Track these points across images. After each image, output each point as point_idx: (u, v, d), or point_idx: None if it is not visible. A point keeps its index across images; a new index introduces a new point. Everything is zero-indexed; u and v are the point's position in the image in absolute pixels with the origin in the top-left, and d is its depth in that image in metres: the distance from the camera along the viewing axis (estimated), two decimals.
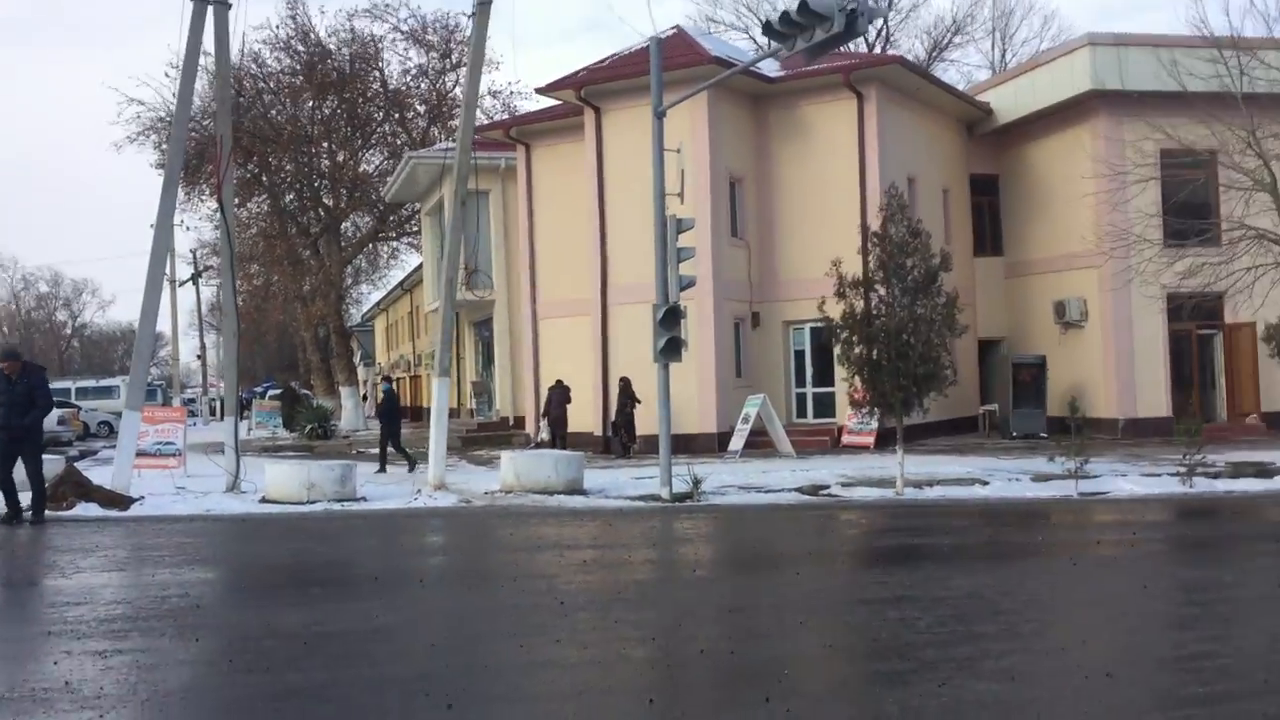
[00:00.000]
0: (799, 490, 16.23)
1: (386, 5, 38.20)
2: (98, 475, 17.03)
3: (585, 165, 24.78)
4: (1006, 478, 17.08)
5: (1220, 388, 25.79)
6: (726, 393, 23.53)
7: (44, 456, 18.81)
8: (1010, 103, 27.06)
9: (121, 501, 13.69)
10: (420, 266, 41.49)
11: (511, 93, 38.56)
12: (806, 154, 24.55)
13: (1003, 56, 42.53)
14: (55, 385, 44.60)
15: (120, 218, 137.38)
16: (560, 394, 25.00)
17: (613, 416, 23.66)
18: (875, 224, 16.71)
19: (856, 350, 15.83)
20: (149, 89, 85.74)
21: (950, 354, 16.13)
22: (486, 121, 31.65)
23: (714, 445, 22.81)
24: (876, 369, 15.78)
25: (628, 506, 14.56)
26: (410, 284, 46.51)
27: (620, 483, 17.44)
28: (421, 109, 38.42)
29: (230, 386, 16.93)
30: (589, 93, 24.10)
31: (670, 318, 15.48)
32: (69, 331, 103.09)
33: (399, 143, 38.23)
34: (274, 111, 37.22)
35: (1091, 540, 11.18)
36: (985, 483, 16.65)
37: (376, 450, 27.67)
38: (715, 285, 23.31)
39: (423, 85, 38.24)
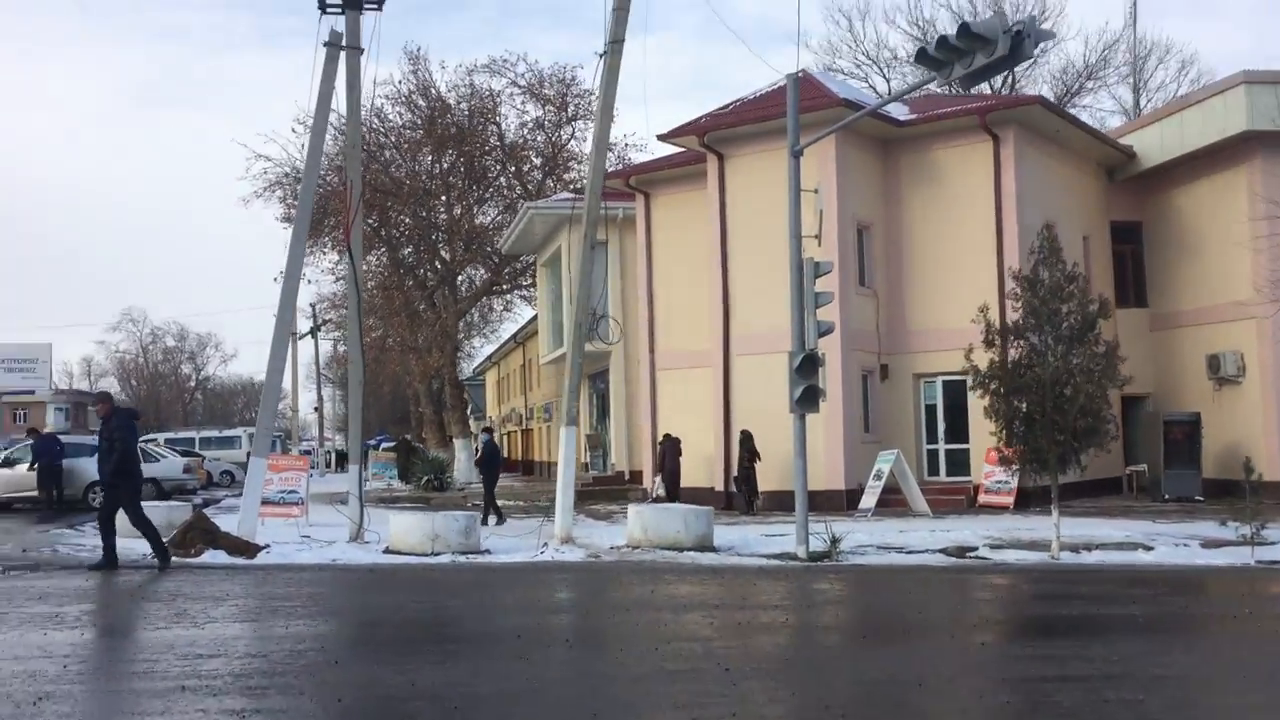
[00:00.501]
0: (943, 551, 15.19)
1: (504, 60, 38.82)
2: (225, 522, 16.93)
3: (707, 212, 24.28)
4: (1172, 543, 15.74)
5: None
6: (855, 448, 22.54)
7: (172, 503, 18.95)
8: (1155, 146, 25.73)
9: (249, 549, 13.44)
10: (534, 319, 41.51)
11: (627, 144, 38.35)
12: (937, 200, 23.63)
13: (1137, 102, 40.94)
14: (179, 435, 46.02)
15: (243, 273, 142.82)
16: (672, 447, 24.38)
17: (734, 471, 22.85)
18: (1021, 268, 15.72)
19: (1006, 403, 14.81)
20: (275, 145, 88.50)
21: (1110, 407, 14.99)
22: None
23: (842, 503, 21.80)
24: (1029, 423, 14.74)
25: (764, 565, 13.74)
26: (523, 336, 46.58)
27: (750, 540, 16.61)
28: (538, 161, 38.63)
29: (355, 434, 16.70)
30: (712, 139, 23.67)
31: (807, 365, 14.72)
32: (193, 384, 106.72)
33: (515, 195, 38.46)
34: (394, 166, 37.83)
35: None
36: (1149, 548, 15.36)
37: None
38: (844, 335, 22.42)
39: (539, 139, 38.52)
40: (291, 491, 19.61)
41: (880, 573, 13.09)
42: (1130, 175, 26.63)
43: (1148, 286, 26.93)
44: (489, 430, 24.34)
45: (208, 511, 23.61)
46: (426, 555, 14.21)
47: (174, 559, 12.78)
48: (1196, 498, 22.96)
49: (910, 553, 15.26)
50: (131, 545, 15.27)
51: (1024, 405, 14.71)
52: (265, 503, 19.31)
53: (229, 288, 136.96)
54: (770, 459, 22.32)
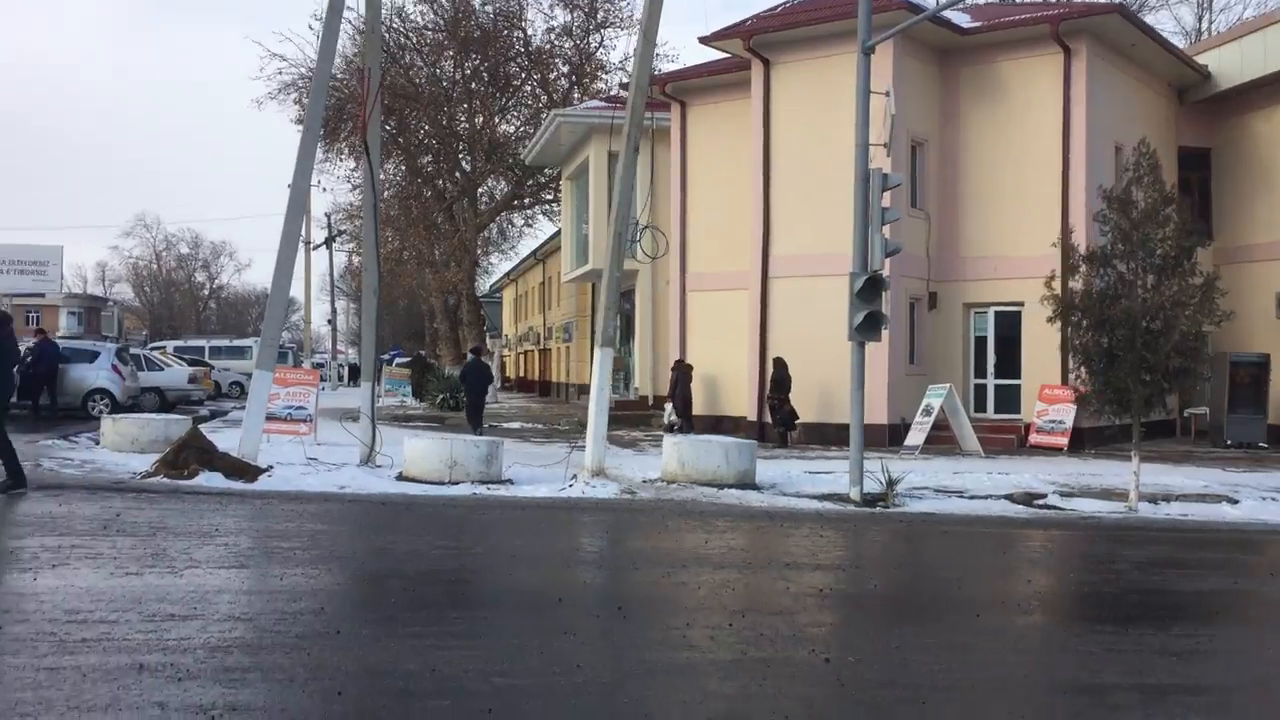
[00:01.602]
0: (1008, 498, 13.86)
1: None
2: (227, 438, 15.70)
3: (749, 125, 22.54)
4: (1258, 496, 14.37)
5: None
6: (899, 381, 21.12)
7: (172, 416, 17.61)
8: (1234, 66, 23.78)
9: (249, 472, 12.15)
10: (556, 234, 39.91)
11: (658, 54, 36.27)
12: (998, 117, 21.83)
13: (1200, 22, 38.55)
14: (188, 344, 44.81)
15: (258, 181, 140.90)
16: (684, 374, 23.49)
17: (768, 400, 21.50)
18: (1113, 187, 14.08)
19: (1090, 337, 13.32)
20: (291, 44, 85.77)
21: (1207, 346, 13.48)
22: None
23: (884, 438, 20.44)
24: (1111, 360, 13.27)
25: (819, 509, 12.39)
26: (544, 253, 44.99)
27: (794, 477, 15.28)
28: (565, 69, 36.68)
29: (368, 349, 15.30)
30: (758, 43, 21.84)
31: (870, 289, 13.23)
32: (207, 293, 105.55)
33: (540, 105, 36.59)
34: (415, 69, 35.98)
35: None
36: (1234, 501, 13.99)
37: (510, 426, 26.37)
38: (892, 260, 20.85)
39: (566, 45, 36.51)
40: (300, 408, 18.37)
41: (952, 524, 11.72)
42: (1203, 97, 24.72)
43: (1214, 217, 25.16)
44: (477, 350, 23.34)
45: (212, 425, 22.49)
46: (444, 484, 12.95)
47: (164, 480, 11.49)
48: (1261, 444, 21.55)
49: (972, 498, 13.95)
50: (121, 461, 14.07)
51: (1108, 340, 13.24)
52: (271, 419, 18.08)
53: (244, 195, 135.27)
54: (807, 389, 20.94)
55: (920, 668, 5.36)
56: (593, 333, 35.87)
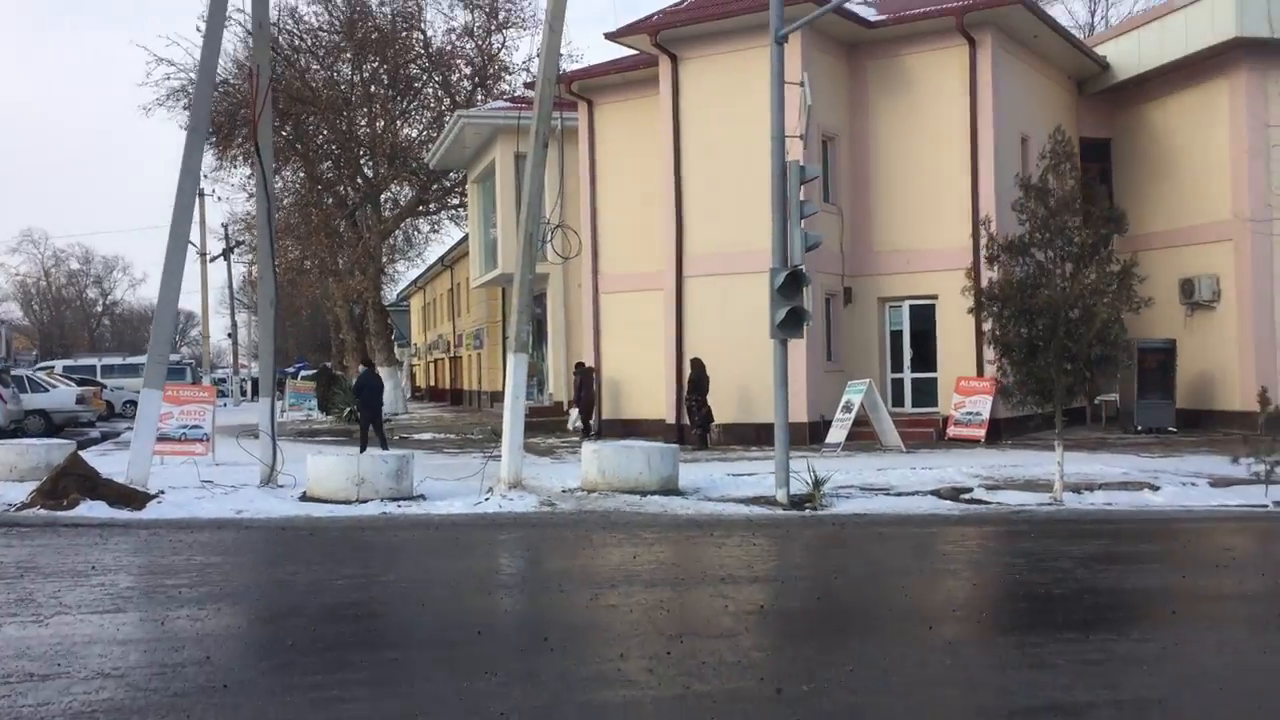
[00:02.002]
0: (935, 494, 13.62)
1: None
2: (117, 461, 14.67)
3: (658, 122, 22.10)
4: (1178, 482, 14.37)
5: None
6: (818, 378, 20.87)
7: (55, 441, 16.43)
8: (1131, 56, 24.11)
9: (136, 499, 11.23)
10: (463, 240, 39.04)
11: (563, 54, 35.71)
12: (907, 110, 21.74)
13: (1091, 17, 39.37)
14: (79, 363, 42.77)
15: (151, 192, 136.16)
16: (587, 376, 23.45)
17: (686, 401, 21.06)
18: (1030, 174, 13.96)
19: (1011, 327, 13.14)
20: (179, 48, 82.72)
21: (1126, 333, 13.39)
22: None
23: (805, 437, 20.13)
24: (1032, 350, 13.11)
25: (746, 514, 11.96)
26: (451, 259, 44.03)
27: (716, 481, 14.86)
28: (467, 71, 35.84)
29: (266, 362, 14.41)
30: (665, 38, 21.40)
31: (791, 285, 12.86)
32: (100, 309, 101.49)
33: (442, 108, 35.70)
34: (311, 71, 34.79)
35: None
36: (1155, 488, 13.94)
37: (421, 437, 25.55)
38: (808, 256, 20.65)
39: (468, 46, 35.69)
40: (194, 426, 17.36)
41: (884, 524, 11.38)
42: (1102, 88, 25.03)
43: (1115, 206, 25.48)
44: (368, 363, 22.68)
45: (101, 448, 21.22)
46: (351, 502, 12.21)
47: (41, 511, 10.53)
48: (1170, 429, 21.82)
49: (899, 494, 13.69)
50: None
51: (1028, 330, 13.08)
52: (164, 439, 17.09)
53: (137, 207, 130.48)
54: (725, 389, 20.58)
55: (882, 694, 4.90)
56: (504, 338, 35.22)
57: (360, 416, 20.42)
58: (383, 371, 36.49)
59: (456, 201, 38.75)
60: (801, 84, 13.14)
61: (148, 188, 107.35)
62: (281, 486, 13.63)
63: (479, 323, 39.14)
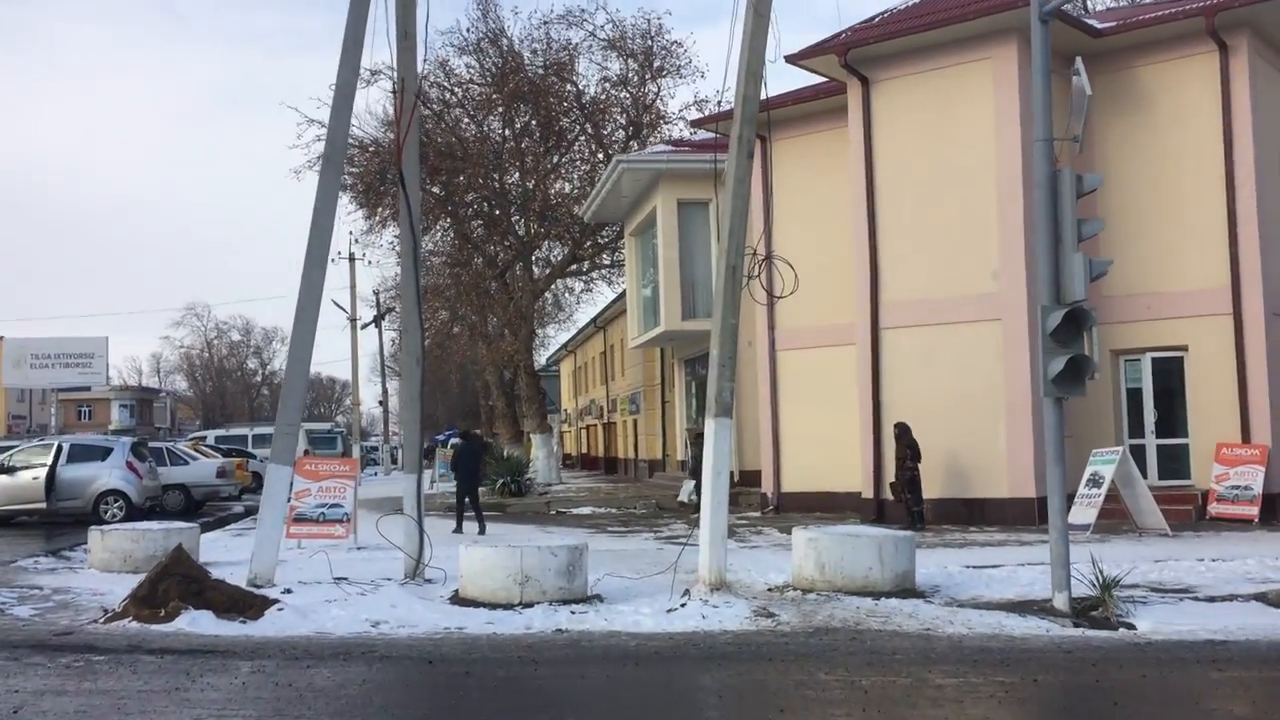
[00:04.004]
0: (1261, 600, 10.34)
1: (583, 10, 34.33)
2: (241, 551, 12.65)
3: (850, 153, 19.45)
4: None
5: None
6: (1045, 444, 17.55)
7: (174, 525, 14.17)
8: None
9: (251, 606, 8.97)
10: (618, 299, 36.99)
11: (720, 103, 33.57)
12: (1142, 129, 18.52)
13: None
14: (230, 432, 42.24)
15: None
16: (701, 446, 20.56)
17: (889, 474, 18.04)
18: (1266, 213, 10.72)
19: None
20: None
21: None
22: (704, 117, 26.62)
23: (1032, 515, 16.94)
24: None
25: (1026, 632, 8.93)
26: (605, 320, 42.05)
27: (955, 576, 11.87)
28: (621, 120, 34.02)
29: (412, 430, 12.14)
30: (856, 58, 18.82)
31: (1069, 327, 9.92)
32: (259, 379, 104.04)
33: (595, 161, 33.93)
34: (461, 125, 33.59)
35: None
36: None
37: (580, 511, 23.20)
38: (1030, 305, 17.57)
39: (622, 95, 33.92)
40: (334, 505, 15.34)
41: (1226, 657, 8.18)
42: None
43: None
44: (466, 434, 21.39)
45: (240, 526, 19.45)
46: (514, 606, 9.74)
47: (132, 624, 8.35)
48: None
49: (1208, 599, 10.45)
50: (104, 588, 11.01)
51: None
52: (301, 520, 15.14)
53: (292, 276, 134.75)
54: (930, 458, 17.50)
55: None
56: (663, 401, 32.78)
57: (457, 490, 18.77)
58: (535, 439, 34.56)
59: (609, 261, 36.85)
60: (1076, 73, 10.28)
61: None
62: (429, 581, 11.30)
63: (635, 386, 36.87)
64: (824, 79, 20.29)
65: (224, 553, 14.80)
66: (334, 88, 11.12)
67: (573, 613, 9.54)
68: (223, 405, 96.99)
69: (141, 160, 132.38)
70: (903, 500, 17.40)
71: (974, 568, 12.51)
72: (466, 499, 18.60)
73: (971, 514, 17.78)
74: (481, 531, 17.55)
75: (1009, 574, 12.02)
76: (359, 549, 14.91)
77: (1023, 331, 17.44)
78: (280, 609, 9.00)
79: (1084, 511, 15.80)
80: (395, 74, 11.28)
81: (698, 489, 21.56)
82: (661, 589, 10.66)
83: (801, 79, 21.47)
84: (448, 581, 11.04)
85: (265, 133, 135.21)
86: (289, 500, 13.17)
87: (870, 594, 10.40)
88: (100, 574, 12.32)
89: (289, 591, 10.28)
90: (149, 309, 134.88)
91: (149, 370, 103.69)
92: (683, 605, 9.52)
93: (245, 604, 8.91)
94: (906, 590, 10.68)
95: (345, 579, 10.77)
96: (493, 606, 9.82)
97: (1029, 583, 11.32)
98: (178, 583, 8.71)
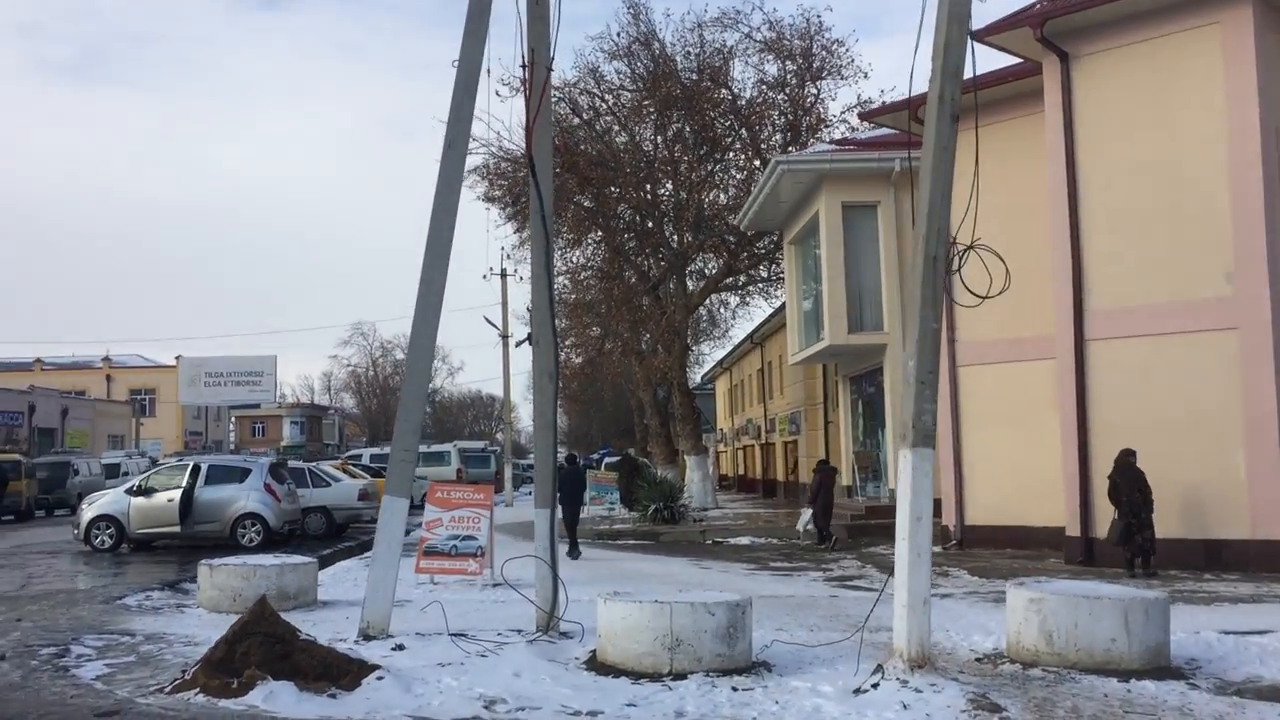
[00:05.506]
0: None
1: (738, 12, 32.58)
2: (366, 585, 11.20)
3: (1047, 139, 16.96)
4: None
5: None
6: None
7: (290, 559, 12.65)
8: None
9: (346, 673, 7.37)
10: (776, 313, 34.92)
11: (884, 101, 31.16)
12: None
13: None
14: (382, 451, 41.89)
15: (464, 274, 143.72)
16: (828, 477, 20.92)
17: (1114, 513, 15.30)
18: None
19: None
20: (480, 122, 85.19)
21: None
22: (874, 109, 24.35)
23: (1272, 560, 14.11)
24: None
25: None
26: (762, 335, 40.00)
27: (1214, 646, 9.38)
28: (779, 121, 32.03)
29: (544, 461, 10.42)
30: (1054, 29, 16.36)
31: None
32: None
33: (752, 168, 32.04)
34: (612, 133, 32.28)
35: None
36: None
37: (739, 541, 21.29)
38: (1274, 305, 14.76)
39: (780, 97, 31.93)
40: (468, 538, 13.83)
41: None
42: None
43: None
44: (570, 459, 20.09)
45: (369, 556, 18.25)
46: (661, 677, 7.92)
47: (201, 698, 6.87)
48: None
49: None
50: (205, 634, 9.69)
51: None
52: (431, 554, 13.72)
53: (453, 292, 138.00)
54: (1163, 493, 14.82)
55: None
56: (826, 421, 30.50)
57: (564, 514, 17.36)
58: (690, 460, 32.76)
59: (766, 274, 34.84)
60: None
61: (462, 278, 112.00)
62: (565, 635, 9.59)
63: (795, 405, 34.67)
64: (1012, 59, 17.88)
65: (351, 588, 13.52)
66: (456, 64, 9.60)
67: (734, 689, 7.65)
68: (387, 422, 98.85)
69: (317, 186, 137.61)
70: (1130, 542, 14.73)
71: (1234, 633, 9.98)
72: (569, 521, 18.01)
73: (1209, 558, 15.07)
74: (570, 554, 16.94)
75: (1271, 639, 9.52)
76: (494, 585, 13.42)
77: (1266, 340, 14.66)
78: (380, 678, 7.38)
79: None
80: (525, 46, 9.65)
81: (815, 520, 20.30)
82: (843, 656, 8.67)
83: (982, 62, 19.07)
84: (584, 637, 9.31)
85: (429, 155, 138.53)
86: (419, 530, 11.73)
87: (1114, 673, 8.15)
88: (208, 614, 11.09)
89: (400, 648, 8.73)
90: (319, 325, 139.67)
91: (320, 388, 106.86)
92: (874, 687, 7.49)
93: (339, 671, 7.33)
94: (1161, 669, 8.36)
95: (464, 634, 9.13)
96: (636, 676, 8.02)
97: None
98: (260, 643, 7.21)
